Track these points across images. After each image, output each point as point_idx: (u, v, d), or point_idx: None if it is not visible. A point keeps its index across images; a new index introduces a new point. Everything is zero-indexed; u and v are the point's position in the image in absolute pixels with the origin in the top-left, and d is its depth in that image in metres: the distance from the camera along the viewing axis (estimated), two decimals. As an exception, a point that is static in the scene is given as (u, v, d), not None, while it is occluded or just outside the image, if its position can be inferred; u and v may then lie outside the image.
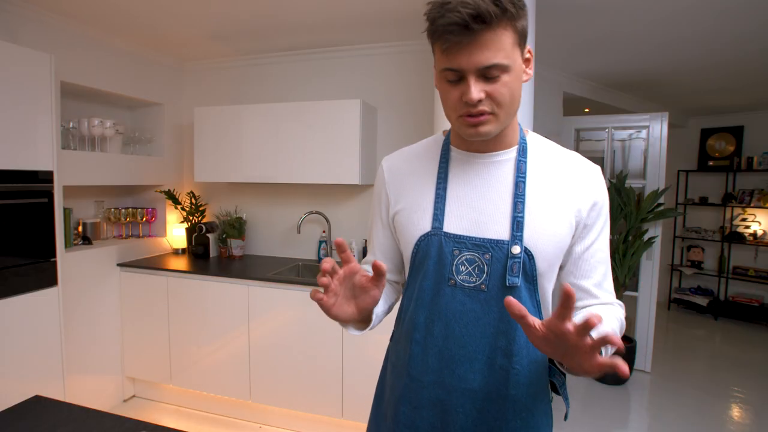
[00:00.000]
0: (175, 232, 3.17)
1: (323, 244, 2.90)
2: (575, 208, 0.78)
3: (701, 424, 2.62)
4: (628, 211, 3.13)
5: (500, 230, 0.77)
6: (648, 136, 3.35)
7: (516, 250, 0.75)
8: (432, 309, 0.80)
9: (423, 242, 0.81)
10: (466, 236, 0.78)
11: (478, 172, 0.81)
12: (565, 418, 0.93)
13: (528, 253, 0.76)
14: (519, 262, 0.75)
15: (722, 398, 2.96)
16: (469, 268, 0.77)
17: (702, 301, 4.80)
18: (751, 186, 4.70)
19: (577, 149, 3.78)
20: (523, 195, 0.77)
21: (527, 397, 0.79)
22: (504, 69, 0.68)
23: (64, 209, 2.27)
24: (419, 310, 0.81)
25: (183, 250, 3.11)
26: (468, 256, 0.77)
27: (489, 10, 0.64)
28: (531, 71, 0.76)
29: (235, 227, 3.00)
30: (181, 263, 2.76)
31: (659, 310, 4.38)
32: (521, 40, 0.71)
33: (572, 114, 3.96)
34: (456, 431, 0.80)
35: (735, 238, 4.64)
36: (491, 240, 0.77)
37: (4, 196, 1.87)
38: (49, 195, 2.06)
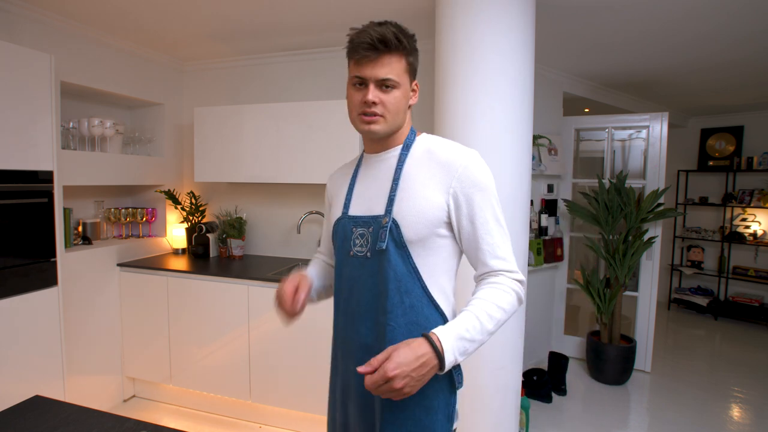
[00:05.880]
0: (175, 232, 3.17)
1: (323, 244, 2.90)
2: (446, 187, 0.94)
3: (701, 424, 2.62)
4: (628, 211, 3.12)
5: (379, 208, 0.97)
6: (648, 136, 3.35)
7: (384, 220, 0.94)
8: (341, 276, 1.03)
9: (337, 225, 1.04)
10: (359, 216, 1.00)
11: (373, 167, 1.04)
12: (457, 386, 0.97)
13: (395, 223, 0.93)
14: (386, 230, 0.93)
15: (722, 398, 2.96)
16: (361, 241, 0.98)
17: (702, 301, 4.80)
18: (751, 186, 4.70)
19: (577, 149, 3.78)
20: (398, 179, 0.97)
21: None
22: (395, 85, 0.93)
23: (64, 209, 2.27)
24: (337, 280, 1.04)
25: (183, 250, 3.11)
26: (360, 231, 0.98)
27: (391, 39, 0.91)
28: (416, 99, 1.02)
29: (235, 227, 3.00)
30: (181, 263, 2.76)
31: (659, 310, 4.38)
32: (411, 72, 0.97)
33: (572, 114, 3.96)
34: (355, 396, 1.04)
35: (735, 238, 4.65)
36: (372, 216, 0.98)
37: (4, 196, 1.87)
38: (49, 195, 2.06)
